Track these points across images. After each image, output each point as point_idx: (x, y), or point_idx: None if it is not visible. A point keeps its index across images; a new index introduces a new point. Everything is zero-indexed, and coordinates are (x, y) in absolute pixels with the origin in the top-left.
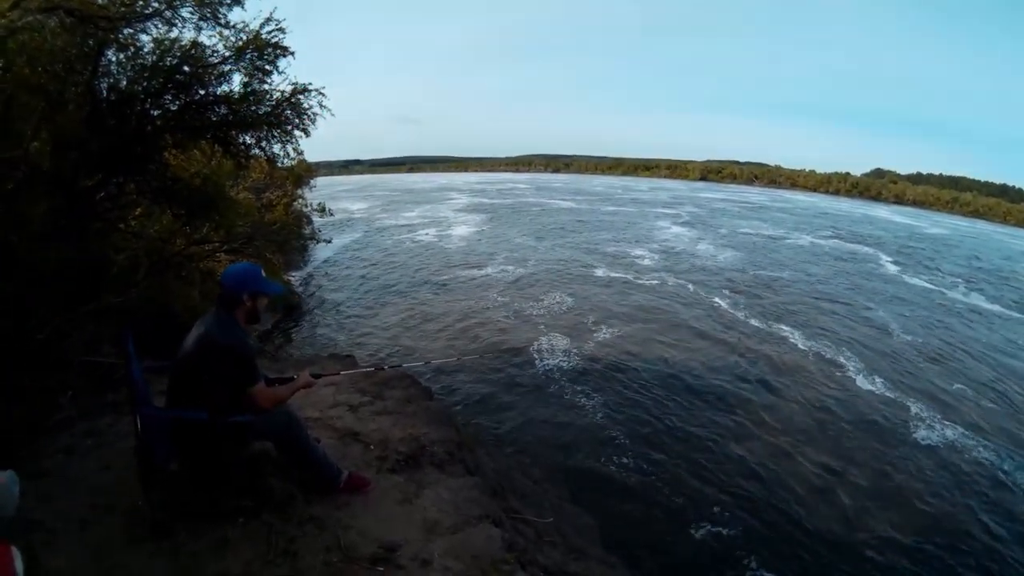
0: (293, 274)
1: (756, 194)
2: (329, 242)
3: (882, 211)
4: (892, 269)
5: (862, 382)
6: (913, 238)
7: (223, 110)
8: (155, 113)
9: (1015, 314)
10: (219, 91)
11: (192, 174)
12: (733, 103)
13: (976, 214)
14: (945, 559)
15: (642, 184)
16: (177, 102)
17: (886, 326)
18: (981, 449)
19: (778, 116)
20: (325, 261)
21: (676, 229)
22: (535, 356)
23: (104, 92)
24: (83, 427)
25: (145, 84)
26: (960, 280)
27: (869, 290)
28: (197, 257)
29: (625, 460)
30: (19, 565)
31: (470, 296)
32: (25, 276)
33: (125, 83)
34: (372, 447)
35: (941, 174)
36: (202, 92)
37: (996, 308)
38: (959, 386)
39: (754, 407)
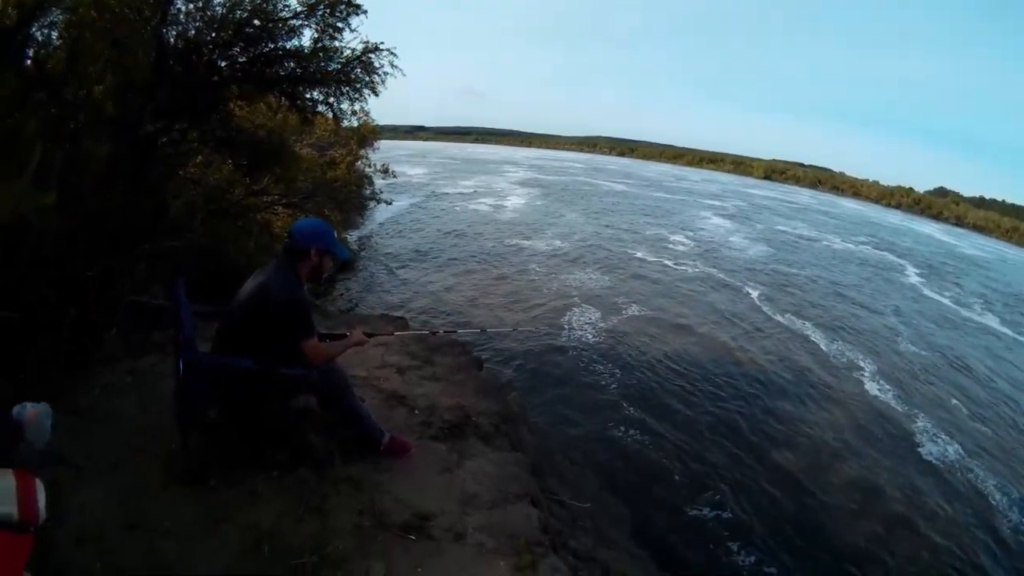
0: (351, 232)
1: (804, 196)
2: (390, 203)
3: (928, 227)
4: (915, 280)
5: (871, 387)
6: (946, 255)
7: (292, 65)
8: (222, 64)
9: (1023, 339)
10: (289, 45)
11: (256, 126)
12: (800, 105)
13: None
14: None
15: (695, 175)
16: (246, 54)
17: (896, 334)
18: (978, 469)
19: (844, 123)
20: (383, 222)
21: (716, 220)
22: (582, 333)
23: (172, 40)
24: (125, 366)
25: (214, 35)
26: (979, 300)
27: (886, 297)
28: (255, 208)
29: (665, 448)
30: (41, 498)
31: (519, 267)
32: (83, 215)
33: (193, 32)
34: (417, 412)
35: (1004, 200)
36: (271, 45)
37: (1007, 331)
38: (956, 402)
39: (773, 400)
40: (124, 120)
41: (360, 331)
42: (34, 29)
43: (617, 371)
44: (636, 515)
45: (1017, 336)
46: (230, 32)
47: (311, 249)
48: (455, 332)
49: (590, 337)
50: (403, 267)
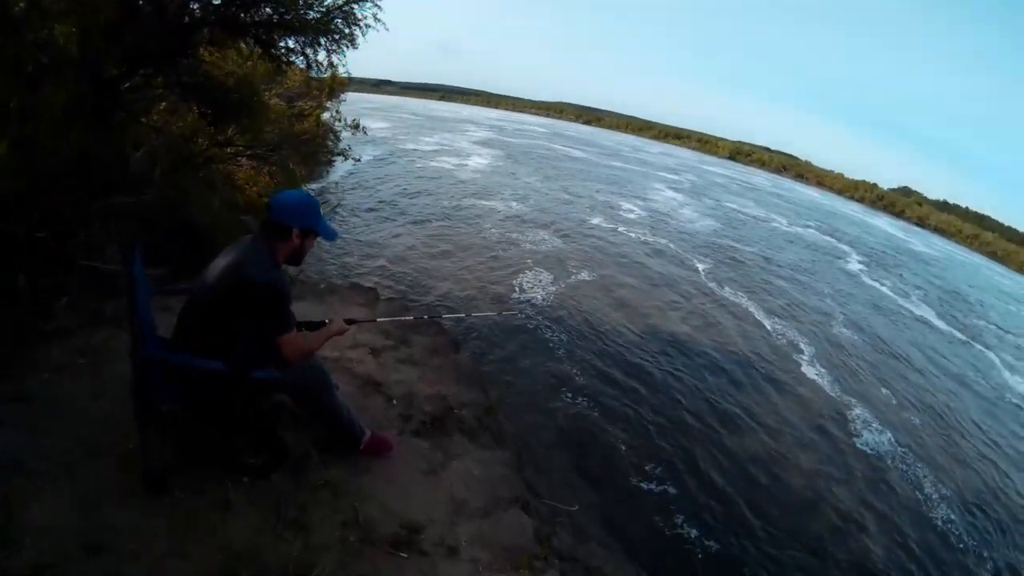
0: (311, 185)
1: (759, 178)
2: (358, 160)
3: (880, 221)
4: (856, 268)
5: (809, 370)
6: (894, 248)
7: (269, 10)
8: (195, 5)
9: (956, 333)
10: None
11: (226, 73)
12: (773, 90)
13: (993, 255)
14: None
15: (653, 147)
16: None
17: (833, 317)
18: (910, 460)
19: (815, 113)
20: (344, 174)
21: (669, 193)
22: (544, 306)
23: None
24: (77, 342)
25: None
26: (918, 292)
27: (827, 281)
28: (218, 159)
29: (630, 430)
30: None
31: (480, 229)
32: (38, 169)
33: None
34: (395, 402)
35: (967, 208)
36: None
37: (941, 324)
38: (887, 391)
39: (719, 377)
40: (85, 63)
41: (340, 319)
42: None
43: (574, 345)
44: (614, 508)
45: (950, 329)
46: None
47: (293, 229)
48: (439, 318)
49: (550, 311)
50: (365, 226)
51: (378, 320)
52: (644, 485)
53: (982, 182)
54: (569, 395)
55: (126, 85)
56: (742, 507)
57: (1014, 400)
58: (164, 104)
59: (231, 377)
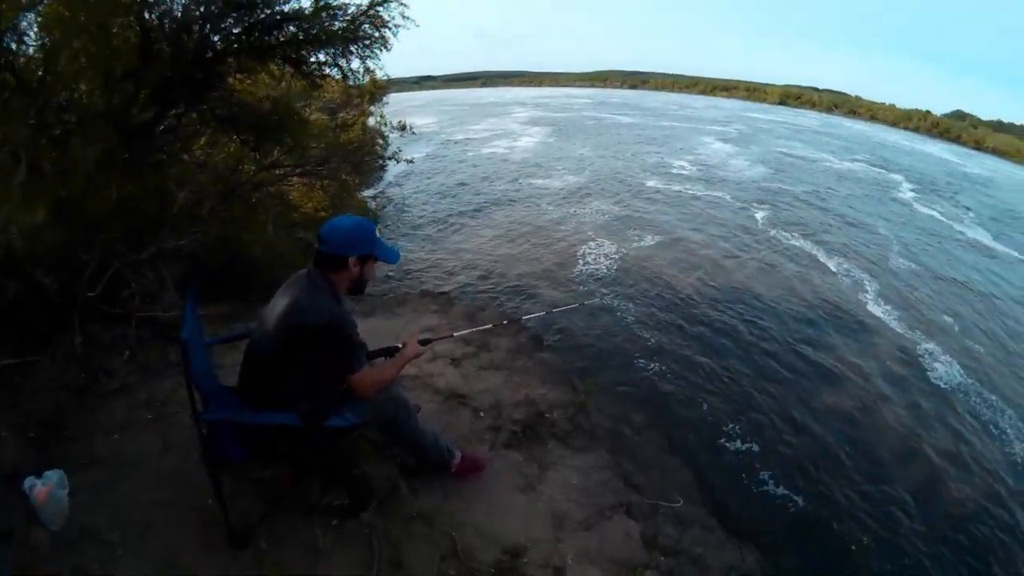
0: (366, 193)
1: (809, 119)
2: (411, 162)
3: (933, 147)
4: (908, 196)
5: (874, 308)
6: (946, 173)
7: (293, 29)
8: (215, 38)
9: (1013, 252)
10: (287, 8)
11: (260, 98)
12: (816, 30)
13: None
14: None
15: (698, 102)
16: (240, 24)
17: (888, 248)
18: (983, 392)
19: (857, 46)
20: (397, 175)
21: (718, 145)
22: (619, 281)
23: (156, 21)
24: (141, 395)
25: (202, 9)
26: (971, 215)
27: (880, 212)
28: (268, 182)
29: (713, 393)
30: None
31: (540, 210)
32: (76, 224)
33: (180, 11)
34: (482, 414)
35: None
36: (267, 11)
37: (998, 246)
38: (950, 319)
39: (796, 328)
40: (112, 114)
41: (414, 341)
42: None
43: (648, 315)
44: (709, 482)
45: (1007, 249)
46: (220, 3)
47: (349, 257)
48: (520, 319)
49: (620, 284)
50: (426, 227)
51: (455, 335)
52: (731, 445)
53: None
54: (650, 368)
55: (160, 128)
56: (825, 457)
57: None
58: (203, 139)
59: (304, 430)
